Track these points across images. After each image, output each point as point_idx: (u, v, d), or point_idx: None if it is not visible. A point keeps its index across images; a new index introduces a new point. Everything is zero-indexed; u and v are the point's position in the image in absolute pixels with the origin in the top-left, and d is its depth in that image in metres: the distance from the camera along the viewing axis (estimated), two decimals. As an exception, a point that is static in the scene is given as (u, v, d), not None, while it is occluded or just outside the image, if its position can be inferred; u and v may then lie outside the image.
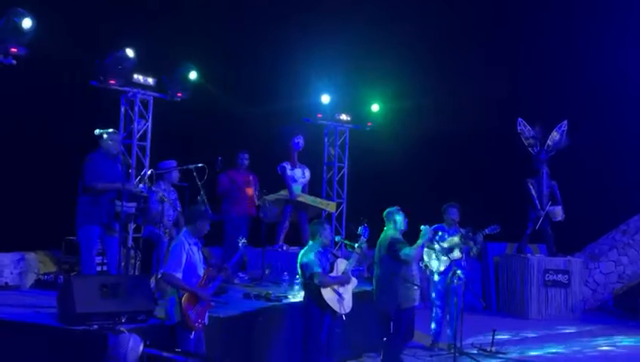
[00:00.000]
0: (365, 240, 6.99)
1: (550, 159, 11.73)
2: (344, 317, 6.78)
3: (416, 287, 7.18)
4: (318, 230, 6.81)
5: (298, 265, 6.82)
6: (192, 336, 5.70)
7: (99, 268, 7.43)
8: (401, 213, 7.36)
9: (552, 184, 11.62)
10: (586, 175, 12.27)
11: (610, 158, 12.61)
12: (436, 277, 8.58)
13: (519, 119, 11.81)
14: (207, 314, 5.89)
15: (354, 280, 6.98)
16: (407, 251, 7.08)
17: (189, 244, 5.81)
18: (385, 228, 7.40)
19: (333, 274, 6.76)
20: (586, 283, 12.26)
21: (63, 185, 7.88)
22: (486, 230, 8.50)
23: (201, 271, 5.86)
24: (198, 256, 5.87)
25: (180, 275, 5.70)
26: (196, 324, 5.73)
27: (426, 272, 8.62)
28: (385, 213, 7.42)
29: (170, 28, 10.13)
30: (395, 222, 7.32)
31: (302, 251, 6.89)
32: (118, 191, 7.06)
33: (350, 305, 6.83)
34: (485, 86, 12.61)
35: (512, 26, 12.97)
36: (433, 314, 8.64)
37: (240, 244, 6.45)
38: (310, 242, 6.85)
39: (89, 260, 7.01)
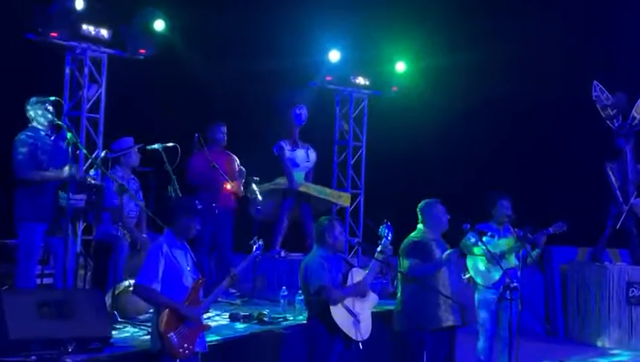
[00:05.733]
0: (389, 243, 6.97)
1: (636, 136, 11.69)
2: (361, 346, 6.79)
3: (444, 301, 7.16)
4: (326, 230, 6.82)
5: (300, 276, 6.84)
6: None
7: (38, 281, 7.48)
8: (435, 207, 7.36)
9: (638, 169, 11.59)
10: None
11: None
12: (484, 292, 8.58)
13: (595, 83, 11.77)
14: (201, 339, 5.89)
15: (373, 297, 6.99)
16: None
17: (170, 247, 5.82)
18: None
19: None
20: (683, 301, 12.26)
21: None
22: (549, 229, 8.50)
23: (188, 282, 5.84)
24: (185, 263, 5.87)
25: (157, 287, 5.71)
26: (181, 351, 5.69)
27: (470, 286, 8.63)
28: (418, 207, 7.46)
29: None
30: (425, 220, 7.36)
31: (305, 258, 6.92)
32: (62, 179, 7.08)
33: (369, 328, 6.85)
34: (549, 37, 12.55)
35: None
36: (479, 342, 8.67)
37: (254, 247, 6.42)
38: (316, 246, 6.87)
39: (27, 270, 7.08)
